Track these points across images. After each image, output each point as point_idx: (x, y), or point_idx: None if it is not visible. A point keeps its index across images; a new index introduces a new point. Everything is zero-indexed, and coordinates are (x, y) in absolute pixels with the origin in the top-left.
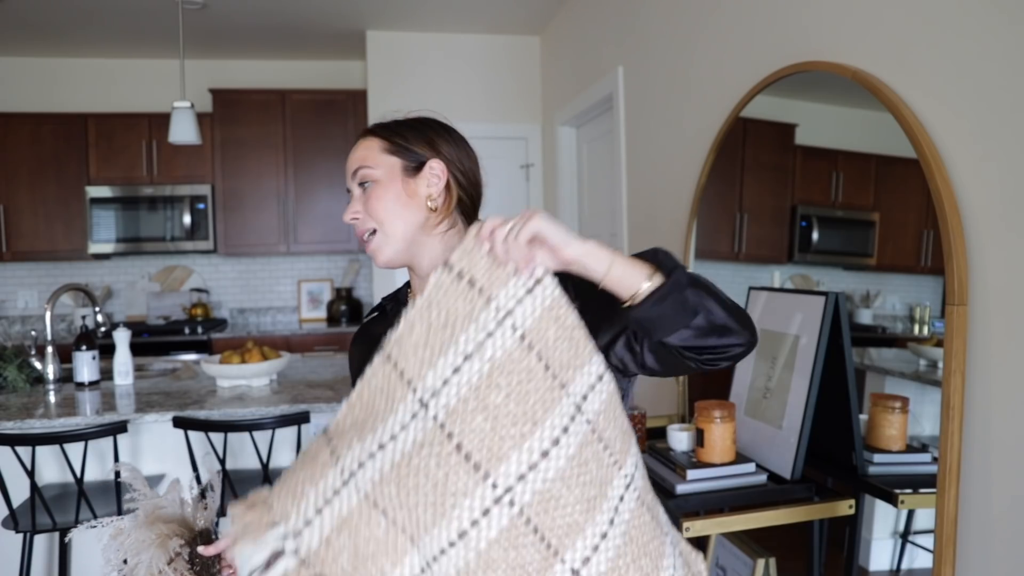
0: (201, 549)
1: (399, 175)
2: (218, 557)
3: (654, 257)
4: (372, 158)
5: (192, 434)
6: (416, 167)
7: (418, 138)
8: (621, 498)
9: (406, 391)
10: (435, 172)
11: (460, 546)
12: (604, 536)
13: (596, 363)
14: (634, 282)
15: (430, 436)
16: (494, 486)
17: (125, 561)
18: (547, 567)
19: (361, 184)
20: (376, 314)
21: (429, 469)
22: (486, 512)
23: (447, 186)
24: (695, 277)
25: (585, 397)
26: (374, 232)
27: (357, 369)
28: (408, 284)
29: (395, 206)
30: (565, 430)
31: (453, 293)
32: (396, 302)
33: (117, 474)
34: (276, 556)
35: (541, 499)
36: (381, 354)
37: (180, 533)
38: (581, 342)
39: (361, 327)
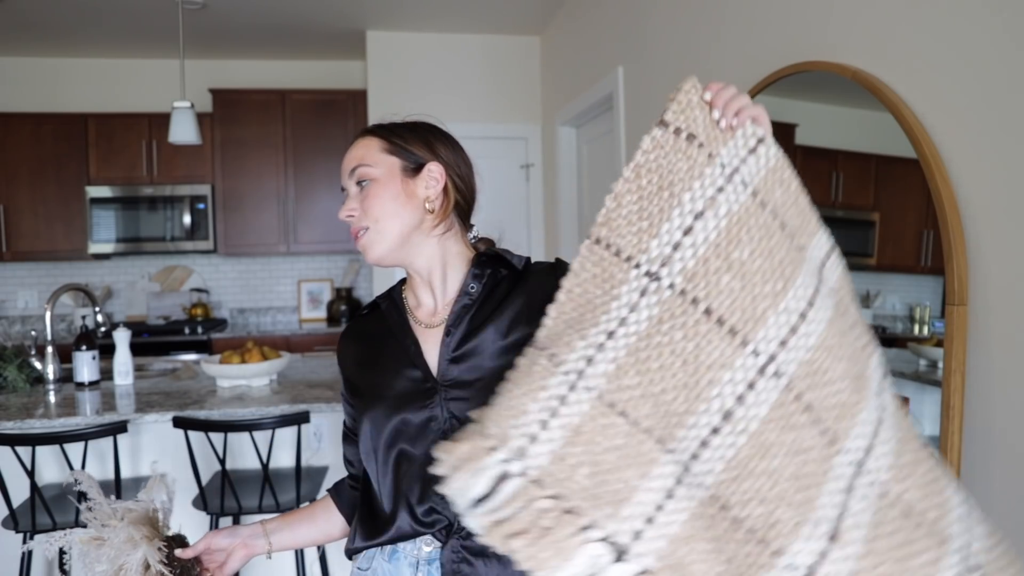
0: (179, 552)
1: (398, 175)
2: (197, 560)
3: None
4: (371, 157)
5: (192, 434)
6: (415, 168)
7: (417, 140)
8: (880, 389)
9: (627, 270)
10: (433, 175)
11: (727, 431)
12: (880, 423)
13: (824, 235)
14: None
15: (669, 307)
16: (755, 353)
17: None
18: (828, 456)
19: (359, 182)
20: (367, 312)
21: (675, 344)
22: (751, 385)
23: (444, 189)
24: None
25: (824, 265)
26: (367, 229)
27: (350, 365)
28: (403, 282)
29: (393, 205)
30: (817, 291)
31: (670, 152)
32: (390, 300)
33: (76, 481)
34: (500, 481)
35: (808, 371)
36: (587, 241)
37: (154, 536)
38: (807, 210)
39: (351, 324)
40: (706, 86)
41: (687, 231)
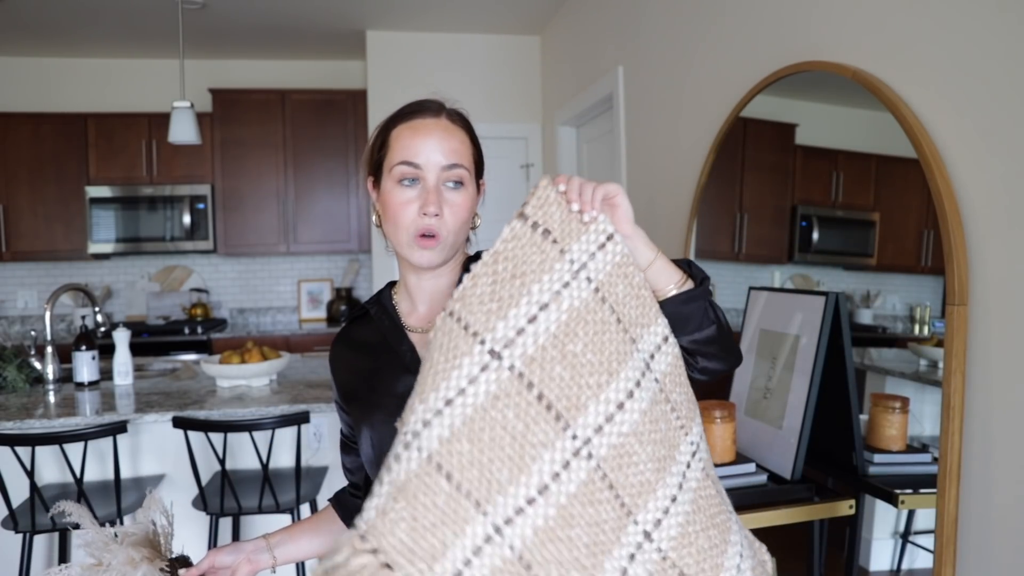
0: (183, 572)
1: (475, 185)
2: None
3: (687, 267)
4: (467, 159)
5: (192, 434)
6: (478, 182)
7: (482, 152)
8: (688, 464)
9: (472, 344)
10: (483, 191)
11: (540, 502)
12: (674, 500)
13: (661, 325)
14: (670, 278)
15: (506, 387)
16: (574, 437)
17: None
18: (621, 527)
19: (453, 182)
20: (358, 317)
21: (507, 421)
22: (566, 465)
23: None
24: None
25: (652, 356)
26: (443, 236)
27: (344, 373)
28: (391, 286)
29: (470, 217)
30: (637, 384)
31: (526, 244)
32: (380, 306)
33: (65, 513)
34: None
35: (616, 454)
36: (443, 313)
37: (155, 557)
38: (647, 302)
39: (343, 331)
40: (555, 179)
41: (532, 319)
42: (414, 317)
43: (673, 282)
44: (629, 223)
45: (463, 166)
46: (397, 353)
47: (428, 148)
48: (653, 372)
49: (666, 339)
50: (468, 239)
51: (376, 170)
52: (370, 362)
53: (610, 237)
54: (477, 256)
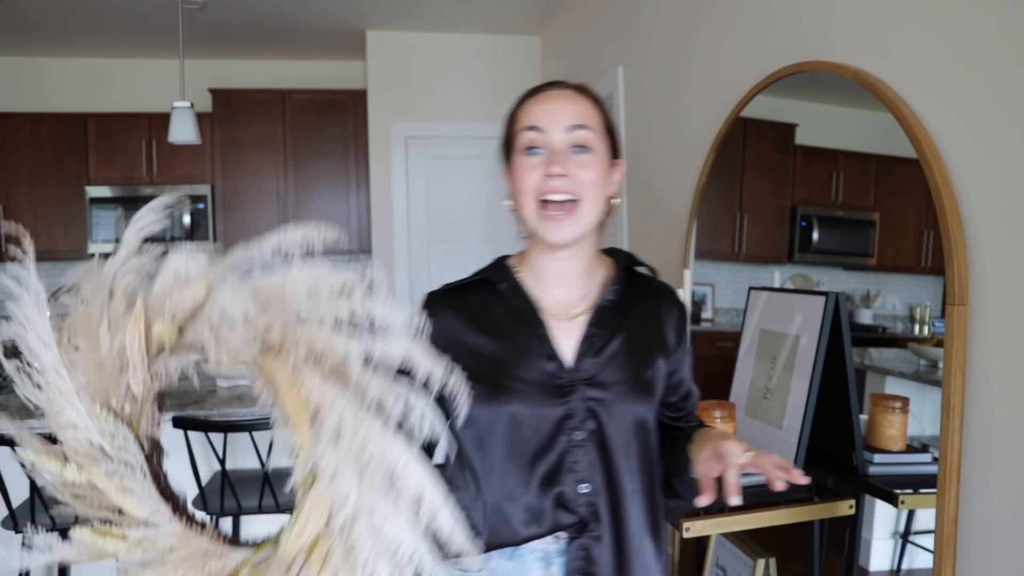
0: None
1: (607, 160)
2: None
3: None
4: (596, 125)
5: (192, 434)
6: (613, 159)
7: (616, 128)
8: None
9: None
10: (620, 174)
11: None
12: None
13: None
14: None
15: None
16: None
17: None
18: None
19: (578, 146)
20: (469, 284)
21: None
22: None
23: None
24: None
25: None
26: (578, 201)
27: (460, 346)
28: (505, 260)
29: (602, 187)
30: None
31: None
32: (507, 282)
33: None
34: None
35: None
36: None
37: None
38: None
39: (447, 295)
40: None
41: None
42: (545, 301)
43: None
44: None
45: (589, 127)
46: (534, 335)
47: (552, 111)
48: None
49: None
50: (603, 225)
51: (508, 151)
52: (496, 342)
53: None
54: (630, 259)
